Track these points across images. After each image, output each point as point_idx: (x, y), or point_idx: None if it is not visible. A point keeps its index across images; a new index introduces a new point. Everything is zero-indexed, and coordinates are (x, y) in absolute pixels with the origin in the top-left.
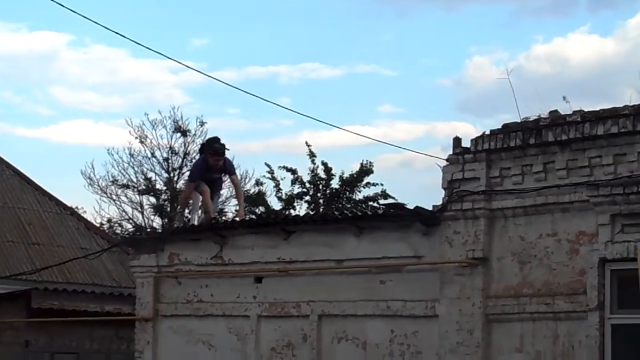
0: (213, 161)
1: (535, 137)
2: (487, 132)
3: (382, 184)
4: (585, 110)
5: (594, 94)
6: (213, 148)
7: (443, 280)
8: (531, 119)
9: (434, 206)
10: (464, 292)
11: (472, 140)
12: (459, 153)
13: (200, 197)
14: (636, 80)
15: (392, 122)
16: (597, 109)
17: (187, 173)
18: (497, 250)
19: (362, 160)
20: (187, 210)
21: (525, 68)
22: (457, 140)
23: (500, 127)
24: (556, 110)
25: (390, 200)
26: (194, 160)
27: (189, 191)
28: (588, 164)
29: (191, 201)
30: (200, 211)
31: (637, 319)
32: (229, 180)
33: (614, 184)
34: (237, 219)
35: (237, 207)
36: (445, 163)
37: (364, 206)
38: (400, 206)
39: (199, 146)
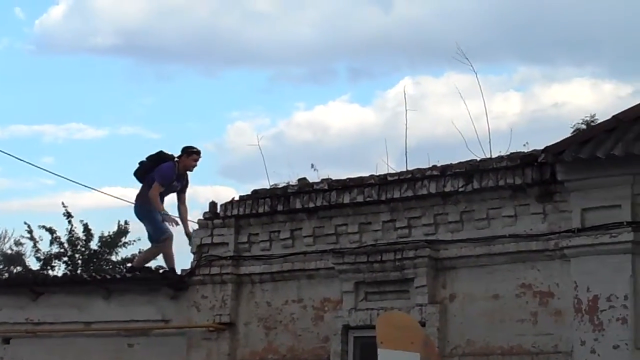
0: (190, 161)
1: (284, 204)
2: (237, 198)
3: (139, 239)
4: (334, 179)
5: (354, 162)
6: (190, 147)
7: (190, 345)
8: (280, 186)
9: (182, 270)
10: (210, 357)
11: (221, 206)
12: (209, 218)
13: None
14: (390, 150)
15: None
16: (345, 177)
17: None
18: (244, 315)
19: (119, 221)
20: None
21: (287, 134)
22: (212, 205)
23: (249, 193)
24: (304, 178)
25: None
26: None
27: (157, 193)
28: (334, 231)
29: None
30: None
31: None
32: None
33: (359, 252)
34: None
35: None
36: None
37: (118, 268)
38: (148, 270)
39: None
